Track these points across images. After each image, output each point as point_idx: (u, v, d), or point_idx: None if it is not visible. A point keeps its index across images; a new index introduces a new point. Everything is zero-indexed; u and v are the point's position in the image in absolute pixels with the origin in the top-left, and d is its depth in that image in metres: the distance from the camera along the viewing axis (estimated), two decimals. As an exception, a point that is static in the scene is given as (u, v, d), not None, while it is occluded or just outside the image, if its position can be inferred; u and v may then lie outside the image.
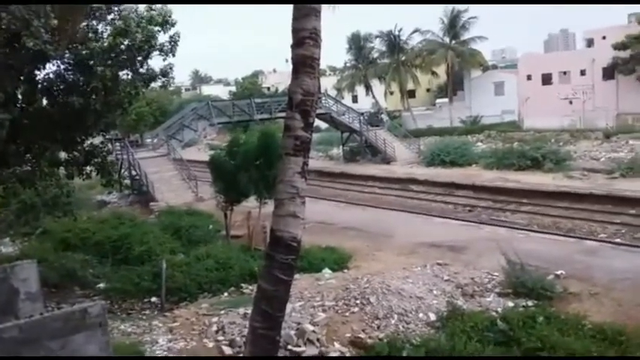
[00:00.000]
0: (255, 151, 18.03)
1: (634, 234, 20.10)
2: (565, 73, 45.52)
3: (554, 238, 19.22)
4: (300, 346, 9.94)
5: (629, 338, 9.89)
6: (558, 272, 14.21)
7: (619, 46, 39.67)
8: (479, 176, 31.78)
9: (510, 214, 24.80)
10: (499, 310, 11.63)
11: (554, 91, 44.47)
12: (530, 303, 12.13)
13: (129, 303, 14.56)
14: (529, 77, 47.31)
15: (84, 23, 12.63)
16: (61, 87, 12.61)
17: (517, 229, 20.93)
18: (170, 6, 13.13)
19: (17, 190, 14.12)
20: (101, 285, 15.54)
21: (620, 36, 39.81)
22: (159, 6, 13.10)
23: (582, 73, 43.98)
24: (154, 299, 14.47)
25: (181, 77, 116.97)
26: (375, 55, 55.70)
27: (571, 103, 43.32)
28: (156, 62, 13.71)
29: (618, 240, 19.16)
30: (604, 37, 42.46)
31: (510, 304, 12.13)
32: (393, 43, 52.94)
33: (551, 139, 39.07)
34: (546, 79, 46.38)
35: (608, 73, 42.24)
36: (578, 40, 62.75)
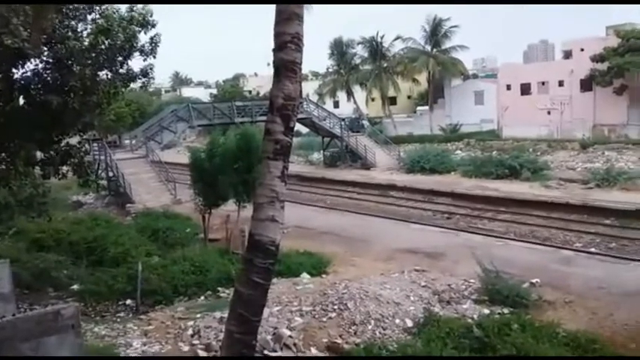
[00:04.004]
0: (235, 153, 17.93)
1: (608, 244, 20.41)
2: (544, 83, 46.11)
3: (530, 246, 19.45)
4: (276, 351, 9.90)
5: (602, 347, 10.04)
6: (534, 280, 14.38)
7: (597, 58, 40.29)
8: (458, 184, 32.05)
9: (488, 221, 25.02)
10: (475, 317, 11.72)
11: (532, 101, 45.01)
12: (505, 310, 12.26)
13: (103, 305, 14.36)
14: (508, 87, 47.83)
15: (63, 22, 12.48)
16: (39, 86, 12.41)
17: (494, 236, 21.14)
18: (151, 7, 13.05)
19: (-9, 189, 13.86)
20: (75, 286, 15.31)
21: (597, 48, 40.45)
22: (140, 6, 13.01)
23: (560, 83, 44.60)
24: (128, 302, 14.29)
25: (161, 79, 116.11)
26: (358, 61, 55.86)
27: (549, 113, 43.90)
28: (136, 63, 13.60)
29: (593, 249, 19.44)
30: (582, 49, 43.03)
31: (486, 311, 12.23)
32: (376, 49, 53.17)
33: (529, 148, 39.56)
34: (525, 89, 46.94)
35: (586, 84, 42.87)
36: (557, 51, 63.58)
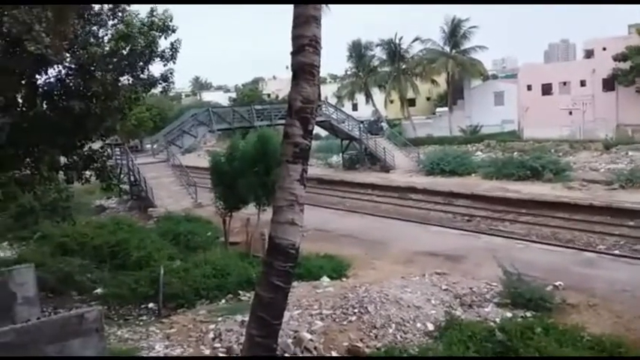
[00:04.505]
0: (253, 155, 17.99)
1: (633, 246, 20.05)
2: (565, 83, 45.61)
3: (552, 248, 19.17)
4: (296, 354, 9.91)
5: (627, 350, 9.87)
6: (557, 283, 14.17)
7: (619, 58, 39.76)
8: (478, 186, 31.77)
9: (509, 223, 24.75)
10: (497, 320, 11.59)
11: (554, 102, 44.54)
12: (528, 314, 12.10)
13: (126, 309, 14.51)
14: (529, 87, 47.39)
15: (85, 28, 12.67)
16: (62, 91, 12.61)
17: (516, 239, 20.87)
18: (172, 12, 13.19)
19: (16, 194, 14.09)
20: (98, 290, 15.50)
21: (620, 47, 39.90)
22: (160, 11, 13.16)
23: (582, 83, 44.07)
24: (151, 305, 14.42)
25: (181, 83, 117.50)
26: (376, 63, 55.79)
27: (571, 113, 43.36)
28: (156, 68, 13.76)
29: (617, 252, 19.10)
30: (604, 48, 42.51)
31: (508, 314, 12.09)
32: (394, 51, 53.06)
33: (551, 149, 39.10)
34: (546, 90, 46.47)
35: (608, 84, 42.32)
36: (579, 50, 62.78)
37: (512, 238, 21.12)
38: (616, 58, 39.95)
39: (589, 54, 46.66)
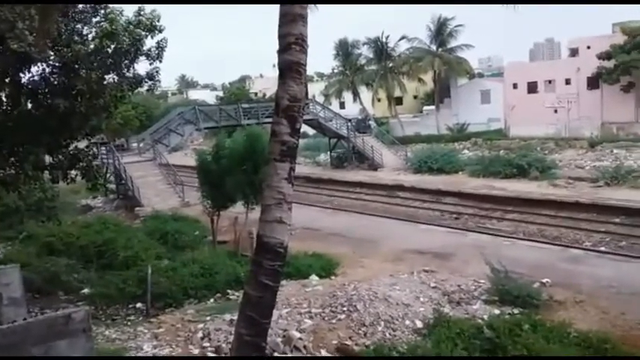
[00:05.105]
0: (241, 153, 17.92)
1: (618, 242, 20.26)
2: (550, 81, 45.97)
3: (539, 245, 19.33)
4: (286, 353, 9.90)
5: (614, 347, 9.95)
6: (544, 280, 14.29)
7: (603, 56, 40.13)
8: (465, 184, 31.94)
9: (496, 221, 24.90)
10: (485, 317, 11.65)
11: (539, 100, 44.88)
12: (516, 311, 12.18)
13: (113, 309, 14.38)
14: (515, 86, 47.71)
15: (69, 26, 12.54)
16: (46, 90, 12.48)
17: (503, 236, 21.03)
18: (158, 10, 13.10)
19: (1, 194, 13.93)
20: (85, 290, 15.37)
21: (604, 46, 40.29)
22: (148, 10, 13.06)
23: (567, 82, 44.45)
24: (138, 305, 14.31)
25: (168, 81, 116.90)
26: (363, 61, 55.85)
27: (556, 111, 43.73)
28: (142, 66, 13.65)
29: (603, 248, 19.31)
30: (589, 47, 42.88)
31: (496, 311, 12.16)
32: (381, 49, 53.16)
33: (537, 147, 39.40)
34: (532, 88, 46.82)
35: (593, 82, 42.72)
36: (563, 49, 63.28)
37: (499, 235, 21.27)
38: (600, 57, 40.33)
39: (574, 52, 47.08)
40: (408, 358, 9.68)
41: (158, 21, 13.01)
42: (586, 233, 21.72)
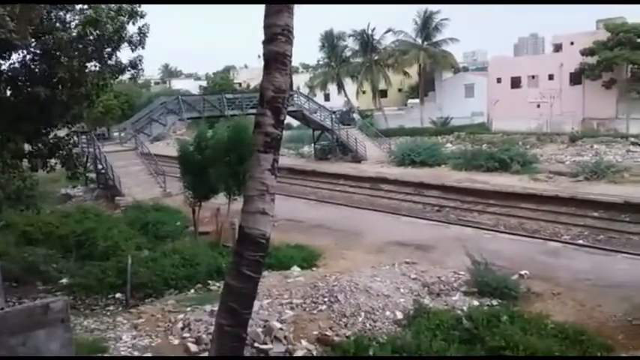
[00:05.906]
0: (226, 145, 17.83)
1: (596, 236, 20.60)
2: (534, 77, 46.29)
3: (519, 238, 19.58)
4: (267, 344, 9.91)
5: (589, 338, 10.14)
6: (522, 272, 14.49)
7: (586, 52, 40.48)
8: (448, 177, 32.16)
9: (478, 214, 25.15)
10: (464, 308, 11.79)
11: (523, 95, 45.17)
12: (494, 302, 12.35)
13: (93, 299, 14.28)
14: (499, 80, 47.95)
15: (51, 13, 12.33)
16: (27, 77, 12.27)
17: (484, 229, 21.25)
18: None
19: (-22, 182, 13.71)
20: (64, 280, 15.21)
21: (587, 42, 40.63)
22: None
23: (550, 77, 44.78)
24: (118, 295, 14.23)
25: (151, 71, 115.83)
26: (348, 53, 55.69)
27: (539, 106, 44.05)
28: (125, 54, 13.49)
29: (581, 242, 19.61)
30: (572, 43, 43.22)
31: (475, 303, 12.31)
32: (366, 42, 53.06)
33: (519, 141, 39.75)
34: (515, 83, 47.10)
35: (576, 78, 43.09)
36: (548, 44, 63.69)
37: (480, 228, 21.49)
38: (583, 53, 40.67)
39: (557, 48, 47.45)
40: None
41: (139, 7, 12.83)
42: (565, 227, 22.03)
